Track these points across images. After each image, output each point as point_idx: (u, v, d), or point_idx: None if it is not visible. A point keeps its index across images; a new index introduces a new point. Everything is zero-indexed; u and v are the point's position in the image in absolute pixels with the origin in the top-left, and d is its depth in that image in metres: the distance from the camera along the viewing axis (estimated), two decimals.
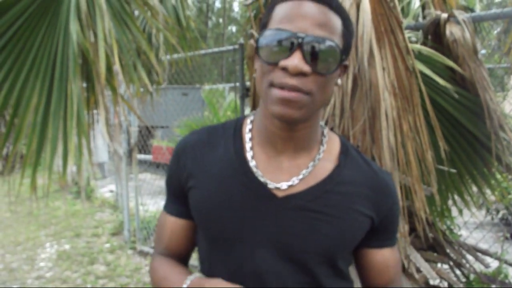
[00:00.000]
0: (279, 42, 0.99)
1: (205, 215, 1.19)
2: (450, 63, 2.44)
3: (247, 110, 3.72)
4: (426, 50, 2.50)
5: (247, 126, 1.23)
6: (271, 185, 1.13)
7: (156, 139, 8.41)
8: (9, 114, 2.16)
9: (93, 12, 2.14)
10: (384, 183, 1.22)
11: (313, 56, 0.98)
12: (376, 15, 1.98)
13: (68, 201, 8.73)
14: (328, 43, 0.99)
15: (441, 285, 2.76)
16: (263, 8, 3.11)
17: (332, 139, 1.24)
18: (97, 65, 2.06)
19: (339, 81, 1.11)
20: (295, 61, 0.96)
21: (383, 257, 1.25)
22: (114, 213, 7.68)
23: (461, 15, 2.48)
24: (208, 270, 1.21)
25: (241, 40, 3.75)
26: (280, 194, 1.13)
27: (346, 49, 1.08)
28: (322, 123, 1.24)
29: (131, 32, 2.32)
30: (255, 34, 2.98)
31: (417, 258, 2.33)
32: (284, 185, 1.13)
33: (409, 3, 3.51)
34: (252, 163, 1.16)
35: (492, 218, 5.83)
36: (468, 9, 5.37)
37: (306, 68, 0.97)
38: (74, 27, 2.08)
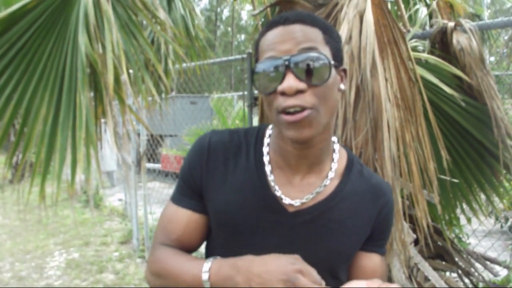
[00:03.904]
0: (270, 71, 1.06)
1: (222, 219, 1.24)
2: (457, 72, 2.44)
3: (255, 119, 3.73)
4: (433, 59, 2.50)
5: (266, 140, 1.28)
6: (286, 200, 1.19)
7: (164, 147, 8.44)
8: (19, 123, 2.18)
9: (101, 24, 2.16)
10: (382, 192, 1.27)
11: (304, 73, 1.05)
12: (379, 26, 1.98)
13: (77, 210, 8.76)
14: (312, 56, 1.06)
15: None
16: (270, 17, 3.13)
17: (341, 154, 1.29)
18: (105, 76, 2.08)
19: (341, 86, 1.17)
20: (289, 82, 1.03)
21: (372, 261, 1.30)
22: (123, 222, 7.70)
23: (467, 24, 2.48)
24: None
25: (250, 49, 3.77)
26: (290, 209, 1.19)
27: (336, 54, 1.14)
28: (334, 138, 1.29)
29: (138, 43, 2.34)
30: None
31: (425, 267, 2.32)
32: (297, 202, 1.19)
33: (416, 12, 3.52)
34: (270, 178, 1.21)
35: (501, 226, 5.79)
36: (476, 16, 5.37)
37: (301, 85, 1.04)
38: (82, 38, 2.10)
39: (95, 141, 2.14)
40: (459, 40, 2.46)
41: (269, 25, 1.13)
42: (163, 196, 7.80)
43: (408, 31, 2.74)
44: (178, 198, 1.30)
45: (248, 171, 1.23)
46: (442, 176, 2.30)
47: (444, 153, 2.19)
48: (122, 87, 2.21)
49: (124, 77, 2.12)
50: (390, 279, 2.27)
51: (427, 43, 2.72)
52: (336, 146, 1.28)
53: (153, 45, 3.21)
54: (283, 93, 1.04)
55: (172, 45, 2.48)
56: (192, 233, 1.28)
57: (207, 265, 1.12)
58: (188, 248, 1.30)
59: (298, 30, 1.09)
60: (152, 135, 6.73)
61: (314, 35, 1.10)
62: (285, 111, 1.04)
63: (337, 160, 1.26)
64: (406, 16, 2.86)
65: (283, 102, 1.04)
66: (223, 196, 1.23)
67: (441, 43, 2.63)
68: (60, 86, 2.17)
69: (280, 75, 1.04)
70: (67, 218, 8.13)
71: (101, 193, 9.49)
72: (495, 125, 2.35)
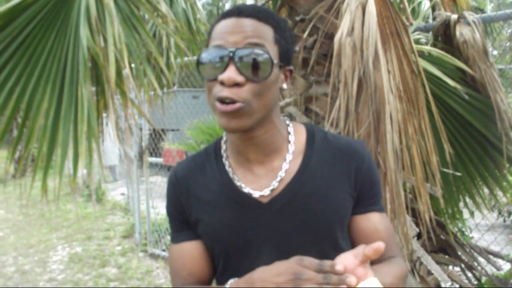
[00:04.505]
0: (214, 59, 1.09)
1: (211, 239, 1.27)
2: (460, 64, 2.43)
3: None
4: (436, 51, 2.49)
5: (223, 147, 1.32)
6: (255, 194, 1.21)
7: (167, 142, 8.44)
8: (20, 117, 2.18)
9: (103, 17, 2.15)
10: (352, 151, 1.28)
11: (245, 67, 1.07)
12: (382, 18, 1.97)
13: (79, 204, 8.79)
14: (256, 52, 1.08)
15: (452, 287, 2.75)
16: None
17: (299, 131, 1.30)
18: (107, 70, 2.07)
19: (284, 85, 1.20)
20: (229, 73, 1.06)
21: (370, 222, 1.28)
22: (125, 216, 7.72)
23: (471, 16, 2.47)
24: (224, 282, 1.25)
25: None
26: (264, 200, 1.21)
27: (284, 54, 1.17)
28: (287, 121, 1.31)
29: (140, 36, 2.33)
30: None
31: (428, 261, 2.32)
32: (266, 191, 1.21)
33: (419, 5, 3.50)
34: (235, 178, 1.24)
35: (504, 220, 5.78)
36: (479, 10, 5.35)
37: (239, 78, 1.06)
38: (84, 32, 2.09)
39: (97, 135, 2.14)
40: (462, 32, 2.45)
41: (224, 14, 1.15)
42: (165, 190, 7.80)
43: (411, 24, 2.73)
44: (175, 236, 1.34)
45: (215, 181, 1.27)
46: (445, 170, 2.29)
47: (447, 146, 2.18)
48: (124, 81, 2.20)
49: (126, 71, 2.11)
50: None
51: (430, 35, 2.71)
52: (291, 129, 1.30)
53: (155, 39, 3.21)
54: (222, 83, 1.07)
55: (174, 38, 2.47)
56: (200, 261, 1.30)
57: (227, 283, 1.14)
58: (204, 278, 1.32)
59: (249, 24, 1.11)
60: (154, 129, 6.74)
61: (265, 32, 1.13)
62: (220, 100, 1.07)
63: (294, 141, 1.27)
64: (409, 9, 2.85)
65: (219, 91, 1.07)
66: (204, 215, 1.26)
67: (444, 35, 2.62)
68: (62, 79, 2.17)
69: (223, 65, 1.07)
70: (69, 213, 8.15)
71: (103, 187, 9.52)
72: (498, 118, 2.35)
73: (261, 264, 1.11)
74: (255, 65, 1.08)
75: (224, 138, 1.33)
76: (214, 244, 1.27)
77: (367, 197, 1.28)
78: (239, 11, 1.13)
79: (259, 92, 1.09)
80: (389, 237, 1.29)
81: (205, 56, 1.11)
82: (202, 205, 1.27)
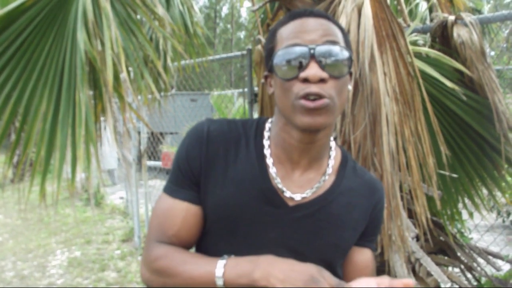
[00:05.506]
0: (293, 57, 1.07)
1: (221, 213, 1.21)
2: (458, 66, 2.43)
3: (255, 115, 3.72)
4: (434, 52, 2.49)
5: (266, 133, 1.26)
6: (287, 193, 1.19)
7: (165, 145, 8.44)
8: (18, 121, 2.17)
9: (100, 21, 2.15)
10: (374, 188, 1.31)
11: (326, 63, 1.06)
12: (377, 20, 1.98)
13: (78, 208, 8.76)
14: (337, 48, 1.09)
15: None
16: (270, 14, 3.12)
17: (336, 152, 1.32)
18: (104, 73, 2.07)
19: (349, 87, 1.18)
20: (314, 69, 1.05)
21: (364, 256, 1.33)
22: (124, 220, 7.70)
23: (468, 17, 2.48)
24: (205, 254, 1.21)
25: (249, 46, 3.76)
26: (291, 203, 1.19)
27: (350, 57, 1.15)
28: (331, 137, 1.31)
29: (137, 40, 2.33)
30: (262, 40, 2.98)
31: (428, 262, 2.31)
32: (298, 196, 1.20)
33: (416, 6, 3.51)
34: (273, 170, 1.21)
35: (503, 221, 5.80)
36: (476, 11, 5.36)
37: (324, 74, 1.05)
38: (81, 36, 2.09)
39: (95, 139, 2.13)
40: (459, 33, 2.45)
41: (292, 16, 1.15)
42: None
43: (408, 25, 2.73)
44: (174, 190, 1.25)
45: (249, 164, 1.21)
46: (442, 171, 2.29)
47: (443, 148, 2.19)
48: (121, 85, 2.20)
49: (123, 74, 2.11)
50: (392, 275, 2.26)
51: (427, 37, 2.71)
52: (333, 144, 1.30)
53: (152, 42, 3.21)
54: (305, 80, 1.05)
55: (171, 40, 2.47)
56: (191, 227, 1.23)
57: (222, 261, 1.09)
58: (185, 244, 1.24)
59: (323, 23, 1.12)
60: (152, 133, 6.73)
61: (337, 33, 1.13)
62: (306, 97, 1.05)
63: (334, 157, 1.28)
64: (406, 11, 2.85)
65: (305, 88, 1.05)
66: (223, 189, 1.19)
67: (442, 37, 2.62)
68: (60, 83, 2.16)
69: (304, 62, 1.06)
70: (68, 217, 8.13)
71: (102, 191, 9.49)
72: (496, 119, 2.35)
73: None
74: (335, 62, 1.08)
75: (269, 124, 1.28)
76: (220, 219, 1.21)
77: (369, 234, 1.32)
78: (309, 12, 1.14)
79: (340, 89, 1.10)
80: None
81: (281, 56, 1.10)
82: (224, 179, 1.20)
